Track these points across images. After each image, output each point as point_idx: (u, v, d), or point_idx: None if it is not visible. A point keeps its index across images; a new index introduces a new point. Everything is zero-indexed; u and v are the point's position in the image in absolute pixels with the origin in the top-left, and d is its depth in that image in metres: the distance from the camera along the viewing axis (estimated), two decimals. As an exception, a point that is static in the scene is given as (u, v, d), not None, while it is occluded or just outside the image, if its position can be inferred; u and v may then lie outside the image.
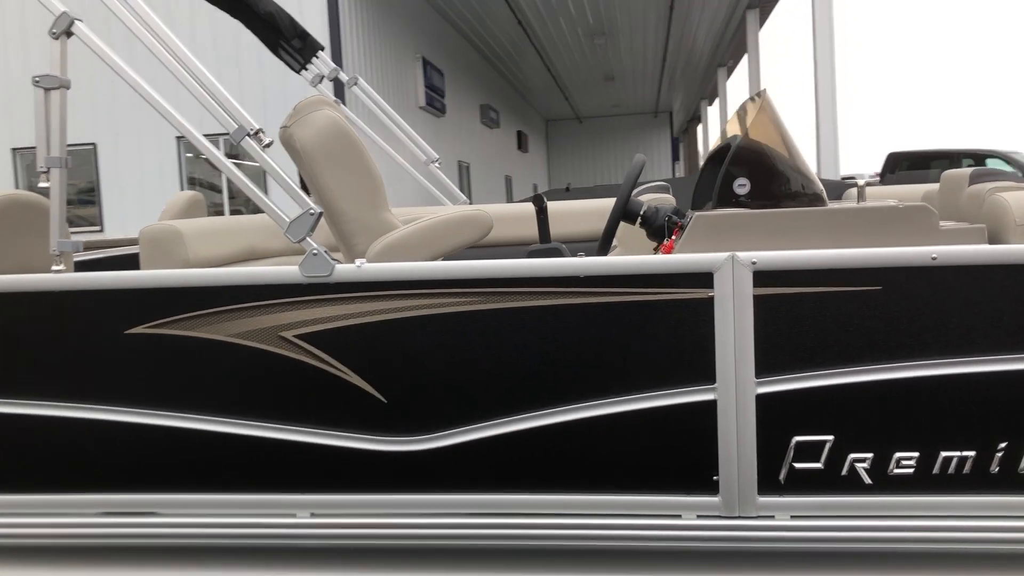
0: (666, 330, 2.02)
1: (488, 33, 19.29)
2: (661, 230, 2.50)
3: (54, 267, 2.27)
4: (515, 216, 3.89)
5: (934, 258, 1.92)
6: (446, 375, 2.10)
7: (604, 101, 29.69)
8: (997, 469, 1.97)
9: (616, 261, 2.03)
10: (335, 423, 2.15)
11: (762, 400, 2.00)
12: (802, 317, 1.97)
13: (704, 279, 1.99)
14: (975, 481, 1.98)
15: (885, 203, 2.09)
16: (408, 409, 2.12)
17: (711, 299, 1.99)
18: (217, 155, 2.19)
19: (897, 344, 1.96)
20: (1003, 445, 1.96)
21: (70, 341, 2.20)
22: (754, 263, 1.97)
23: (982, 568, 2.00)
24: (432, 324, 2.09)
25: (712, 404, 2.02)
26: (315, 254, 2.10)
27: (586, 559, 2.12)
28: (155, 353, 2.18)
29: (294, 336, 2.14)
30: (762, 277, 1.97)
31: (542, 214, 2.60)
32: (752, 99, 2.45)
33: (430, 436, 2.12)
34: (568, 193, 8.60)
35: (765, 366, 2.00)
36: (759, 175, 2.26)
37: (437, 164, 4.18)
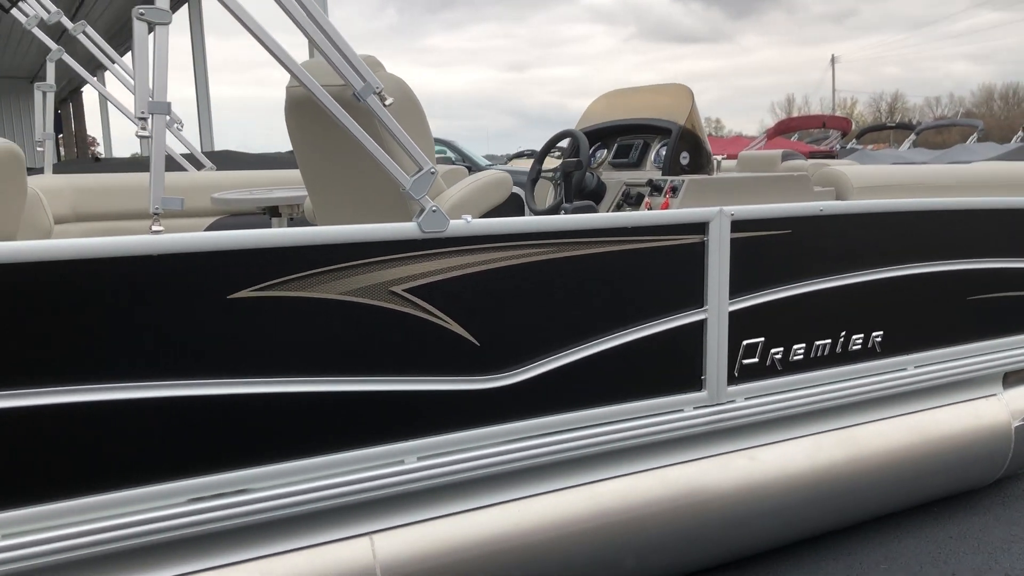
0: (673, 268, 2.62)
1: None
2: (595, 191, 3.05)
3: (154, 227, 1.94)
4: None
5: (822, 210, 2.87)
6: (525, 316, 2.40)
7: (-29, 61, 25.77)
8: (840, 350, 3.01)
9: (645, 215, 2.56)
10: (435, 369, 2.29)
11: (731, 316, 2.74)
12: (753, 254, 2.75)
13: (700, 228, 2.64)
14: (833, 359, 2.99)
15: (786, 173, 2.98)
16: (497, 349, 2.37)
17: (704, 243, 2.65)
18: (337, 106, 2.12)
19: (796, 270, 2.86)
20: (843, 334, 3.01)
21: (166, 311, 1.94)
22: (732, 215, 2.68)
23: (851, 414, 3.03)
24: (516, 272, 2.37)
25: (702, 323, 2.69)
26: (434, 211, 2.20)
27: (624, 454, 2.63)
28: (261, 317, 2.05)
29: (403, 290, 2.22)
30: (736, 225, 2.70)
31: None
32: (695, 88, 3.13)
33: (514, 371, 2.40)
34: (98, 164, 7.90)
35: (733, 291, 2.73)
36: (694, 151, 2.98)
37: (179, 128, 3.89)
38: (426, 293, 2.25)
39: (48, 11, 3.63)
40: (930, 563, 3.11)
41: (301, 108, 2.57)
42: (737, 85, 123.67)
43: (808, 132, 22.20)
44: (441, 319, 2.28)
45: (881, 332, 3.09)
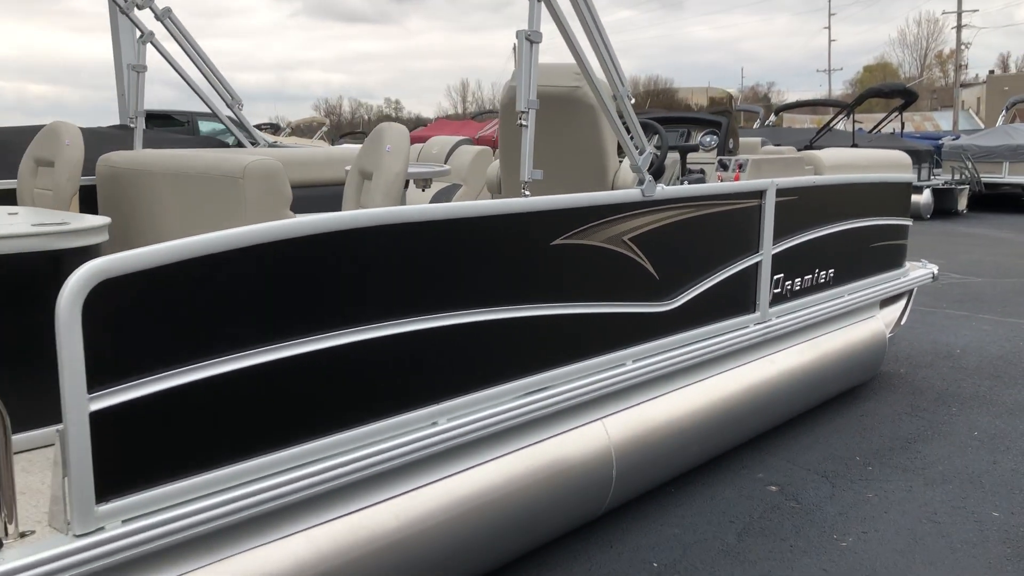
0: (745, 223, 3.62)
1: None
2: (661, 170, 3.94)
3: (524, 192, 2.56)
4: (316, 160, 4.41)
5: (815, 182, 4.00)
6: (679, 257, 3.28)
7: None
8: (814, 283, 4.19)
9: (741, 184, 3.54)
10: (638, 296, 3.11)
11: (772, 257, 3.80)
12: (783, 213, 3.83)
13: (760, 195, 3.66)
14: (810, 290, 4.16)
15: (791, 156, 4.06)
16: (666, 282, 3.23)
17: (761, 205, 3.68)
18: (603, 102, 2.82)
19: (801, 224, 3.98)
20: (816, 270, 4.18)
21: (521, 253, 2.61)
22: (777, 185, 3.73)
23: (817, 328, 4.20)
24: (679, 225, 3.24)
25: (758, 263, 3.72)
26: (651, 180, 3.01)
27: (714, 361, 3.59)
28: (566, 259, 2.77)
29: (628, 239, 3.01)
30: (778, 192, 3.75)
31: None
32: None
33: (675, 299, 3.28)
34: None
35: (775, 238, 3.79)
36: (735, 138, 3.97)
37: (240, 107, 4.17)
38: (638, 241, 3.06)
39: None
40: (860, 434, 4.41)
41: (580, 104, 3.25)
42: (406, 67, 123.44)
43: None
44: (642, 259, 3.10)
45: (833, 270, 4.32)
